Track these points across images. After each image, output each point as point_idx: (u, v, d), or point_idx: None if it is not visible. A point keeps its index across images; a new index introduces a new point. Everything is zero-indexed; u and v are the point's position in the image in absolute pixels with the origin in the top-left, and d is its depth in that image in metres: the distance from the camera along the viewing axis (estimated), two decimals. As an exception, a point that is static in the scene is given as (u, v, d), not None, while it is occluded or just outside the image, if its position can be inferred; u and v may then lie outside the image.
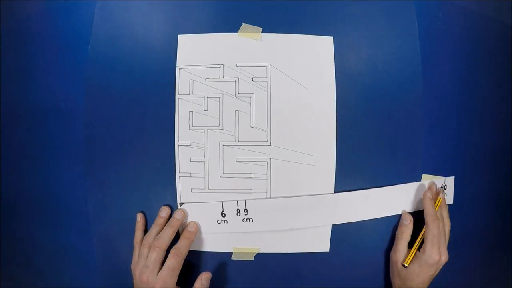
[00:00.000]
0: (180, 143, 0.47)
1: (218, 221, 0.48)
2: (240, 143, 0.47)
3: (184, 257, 0.46)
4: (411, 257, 0.46)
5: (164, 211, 0.47)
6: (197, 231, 0.48)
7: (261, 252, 0.49)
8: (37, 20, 0.50)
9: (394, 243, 0.48)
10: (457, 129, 0.51)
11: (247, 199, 0.47)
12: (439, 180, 0.50)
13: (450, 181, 0.51)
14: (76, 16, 0.49)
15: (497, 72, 0.53)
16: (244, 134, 0.47)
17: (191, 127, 0.47)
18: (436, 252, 0.45)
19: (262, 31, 0.47)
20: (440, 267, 0.47)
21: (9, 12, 0.52)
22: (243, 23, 0.47)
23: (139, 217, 0.48)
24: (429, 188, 0.49)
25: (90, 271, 0.50)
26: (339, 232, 0.49)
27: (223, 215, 0.47)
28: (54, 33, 0.50)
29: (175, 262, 0.45)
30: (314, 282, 0.50)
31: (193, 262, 0.49)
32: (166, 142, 0.47)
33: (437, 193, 0.49)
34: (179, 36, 0.47)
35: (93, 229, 0.49)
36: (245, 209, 0.47)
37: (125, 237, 0.49)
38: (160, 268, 0.45)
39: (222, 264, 0.49)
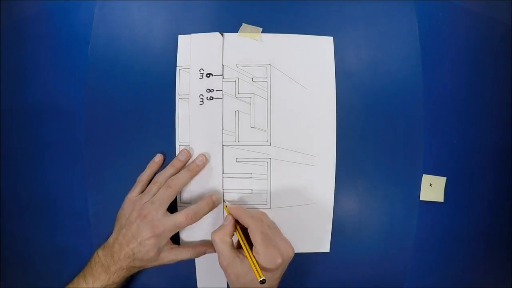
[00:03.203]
0: (180, 143, 0.47)
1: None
2: (240, 143, 0.47)
3: (197, 220, 0.43)
4: (257, 268, 0.38)
5: (184, 155, 0.46)
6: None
7: (261, 252, 0.48)
8: (37, 20, 0.50)
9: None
10: (457, 129, 0.51)
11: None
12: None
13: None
14: (76, 16, 0.49)
15: (497, 72, 0.53)
16: (244, 134, 0.47)
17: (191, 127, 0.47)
18: (274, 253, 0.39)
19: (262, 31, 0.47)
20: (289, 261, 0.41)
21: (9, 12, 0.52)
22: (243, 23, 0.47)
23: (158, 158, 0.46)
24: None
25: (90, 271, 0.50)
26: (339, 232, 0.49)
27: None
28: (54, 33, 0.49)
29: (185, 221, 0.42)
30: (314, 282, 0.50)
31: (194, 262, 0.49)
32: (166, 142, 0.47)
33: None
34: (179, 36, 0.47)
35: (93, 229, 0.49)
36: None
37: (125, 237, 0.49)
38: (164, 212, 0.43)
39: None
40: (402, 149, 0.49)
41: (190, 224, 0.43)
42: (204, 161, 0.46)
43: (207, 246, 0.46)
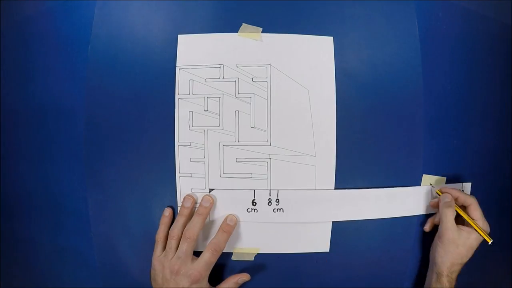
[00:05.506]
0: (180, 143, 0.47)
1: (248, 210, 0.47)
2: (240, 143, 0.47)
3: (221, 252, 0.45)
4: (486, 234, 0.47)
5: (189, 201, 0.46)
6: (236, 225, 0.47)
7: (261, 252, 0.49)
8: (37, 20, 0.50)
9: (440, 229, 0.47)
10: (457, 129, 0.51)
11: (280, 189, 0.47)
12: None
13: (467, 187, 0.52)
14: (76, 16, 0.49)
15: (497, 72, 0.53)
16: (244, 134, 0.47)
17: (191, 127, 0.47)
18: (486, 226, 0.48)
19: (262, 31, 0.47)
20: None
21: (9, 12, 0.52)
22: (243, 23, 0.47)
23: (167, 212, 0.47)
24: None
25: (90, 271, 0.50)
26: (339, 232, 0.49)
27: (254, 203, 0.47)
28: (54, 33, 0.50)
29: (212, 257, 0.44)
30: (314, 282, 0.50)
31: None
32: (166, 142, 0.47)
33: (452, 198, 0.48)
34: (179, 36, 0.47)
35: (93, 229, 0.49)
36: (277, 199, 0.47)
37: (125, 237, 0.49)
38: (192, 260, 0.44)
39: (222, 264, 0.49)
40: (402, 149, 0.49)
41: (218, 257, 0.45)
42: (211, 201, 0.46)
43: (239, 276, 0.47)
